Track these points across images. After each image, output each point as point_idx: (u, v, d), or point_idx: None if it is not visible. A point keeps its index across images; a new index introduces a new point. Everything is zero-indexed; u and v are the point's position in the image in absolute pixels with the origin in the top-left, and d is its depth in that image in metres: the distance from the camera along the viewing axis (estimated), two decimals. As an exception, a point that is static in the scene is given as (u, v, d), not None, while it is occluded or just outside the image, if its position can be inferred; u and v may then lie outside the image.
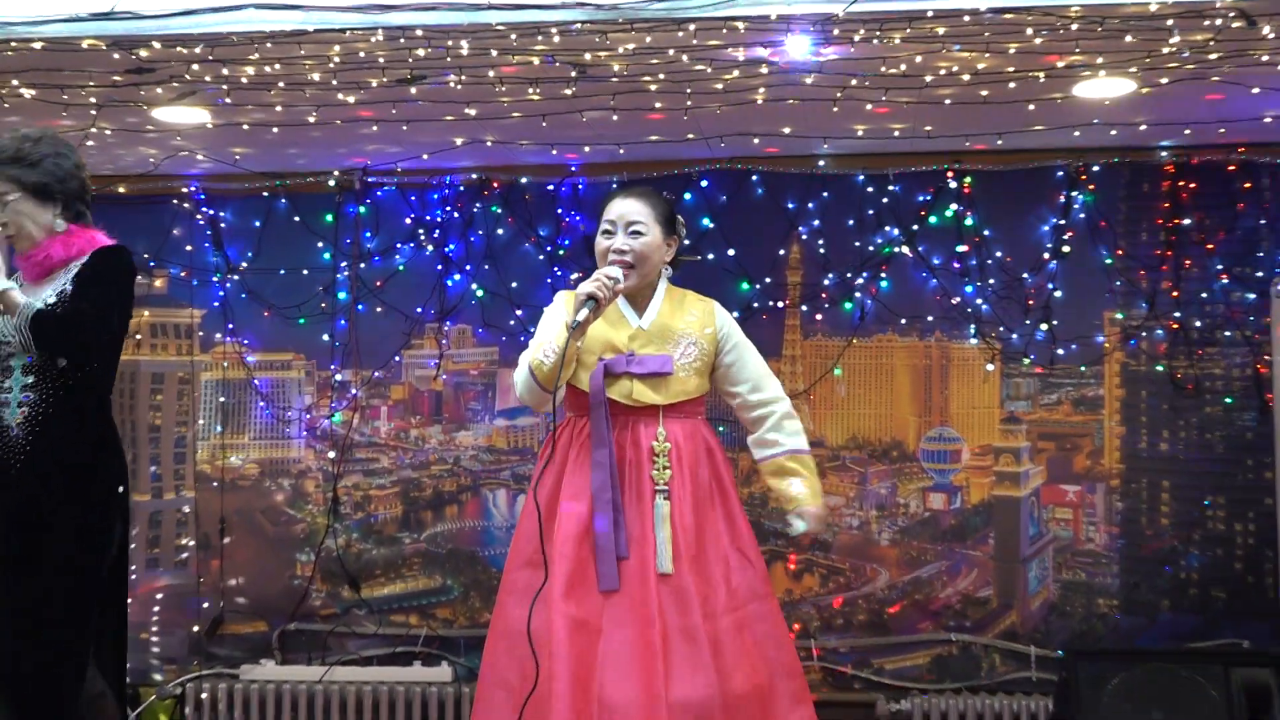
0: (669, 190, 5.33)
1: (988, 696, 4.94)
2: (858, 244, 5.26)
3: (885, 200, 5.23)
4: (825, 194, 5.28)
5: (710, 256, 5.28)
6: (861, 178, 5.25)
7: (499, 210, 5.46)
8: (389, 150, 5.14)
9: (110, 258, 3.14)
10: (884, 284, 5.28)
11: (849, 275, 5.28)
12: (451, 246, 5.52)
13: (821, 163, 5.23)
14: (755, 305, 5.29)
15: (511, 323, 5.49)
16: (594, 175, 5.36)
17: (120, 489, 3.11)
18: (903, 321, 5.27)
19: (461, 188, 5.48)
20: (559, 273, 5.41)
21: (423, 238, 5.53)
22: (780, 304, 5.33)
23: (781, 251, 5.34)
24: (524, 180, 5.42)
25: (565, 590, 2.92)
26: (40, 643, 2.91)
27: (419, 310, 5.53)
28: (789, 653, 3.08)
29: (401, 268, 5.57)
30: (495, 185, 5.45)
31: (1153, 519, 5.11)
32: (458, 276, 5.54)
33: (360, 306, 5.55)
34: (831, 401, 5.36)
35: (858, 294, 5.27)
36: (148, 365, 5.55)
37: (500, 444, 5.59)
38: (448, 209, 5.50)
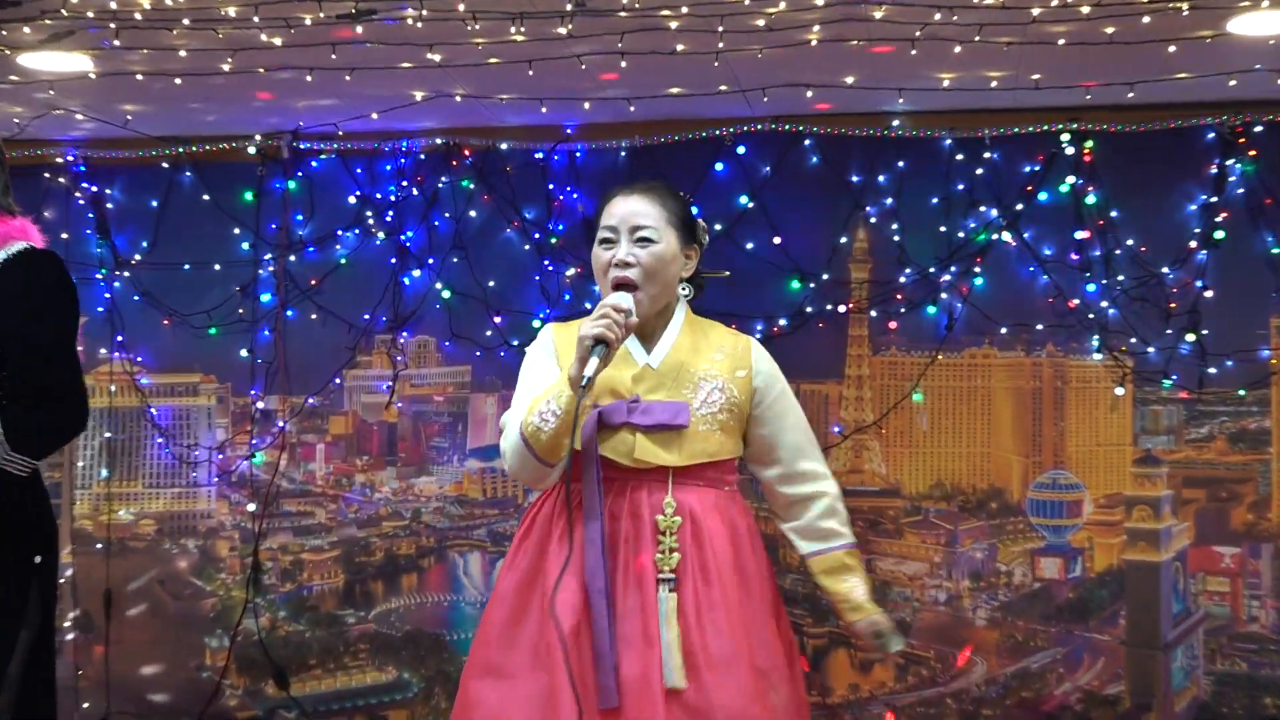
0: (695, 159, 5.36)
1: (1119, 827, 4.97)
2: (944, 229, 5.26)
3: (980, 171, 5.23)
4: (901, 164, 5.28)
5: (749, 246, 5.31)
6: (949, 142, 5.25)
7: (471, 186, 5.48)
8: (327, 107, 5.14)
9: (37, 279, 3.13)
10: (978, 281, 5.27)
11: (932, 270, 5.27)
12: (409, 234, 5.53)
13: (896, 123, 5.24)
14: (809, 310, 5.31)
15: (489, 333, 5.49)
16: (596, 139, 5.40)
17: (39, 559, 3.20)
18: (1003, 331, 5.27)
19: (422, 156, 5.50)
20: (550, 267, 5.46)
21: (371, 222, 5.55)
22: (842, 308, 5.33)
23: (843, 239, 5.34)
24: (504, 146, 5.44)
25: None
26: None
27: (366, 317, 5.55)
28: None
29: (344, 261, 5.58)
30: (466, 153, 5.47)
31: (1337, 591, 5.09)
32: (417, 272, 5.54)
33: (290, 312, 5.59)
34: (910, 436, 5.35)
35: (944, 295, 5.27)
36: (11, 390, 5.55)
37: (473, 493, 5.60)
38: (404, 184, 5.51)
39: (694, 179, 5.23)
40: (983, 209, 5.25)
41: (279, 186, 5.58)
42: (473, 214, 5.51)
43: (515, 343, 5.45)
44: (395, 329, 5.55)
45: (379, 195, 5.54)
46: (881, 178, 5.31)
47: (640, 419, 3.03)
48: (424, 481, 5.64)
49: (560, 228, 5.46)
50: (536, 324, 5.39)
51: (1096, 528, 5.25)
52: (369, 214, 5.55)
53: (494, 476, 5.59)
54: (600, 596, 2.92)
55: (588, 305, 5.30)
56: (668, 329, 3.15)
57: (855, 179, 5.32)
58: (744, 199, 5.34)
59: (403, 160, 5.51)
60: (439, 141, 5.47)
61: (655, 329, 3.15)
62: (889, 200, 5.31)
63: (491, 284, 5.50)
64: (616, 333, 2.89)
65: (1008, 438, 5.32)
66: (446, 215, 5.51)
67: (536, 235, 5.46)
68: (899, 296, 5.31)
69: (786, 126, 5.30)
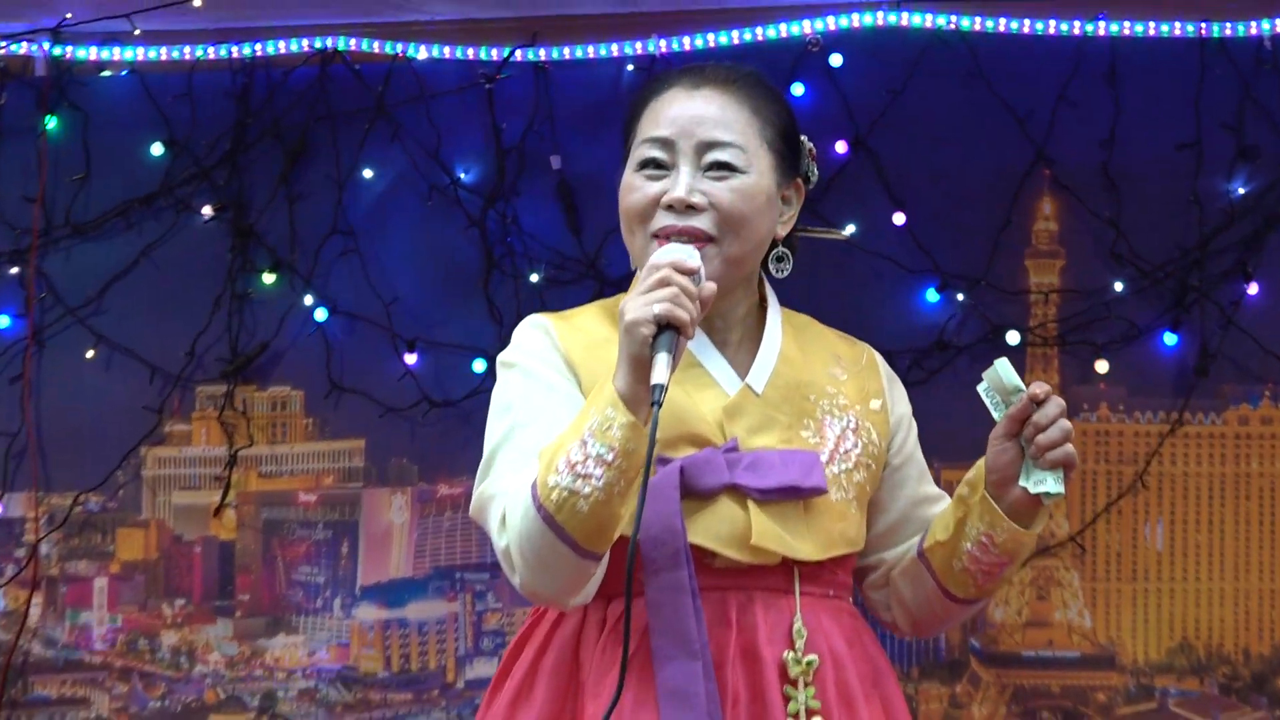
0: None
1: None
2: (1191, 196, 4.91)
3: (1256, 94, 4.89)
4: (1115, 85, 4.91)
5: (851, 229, 4.96)
6: (1201, 43, 4.86)
7: (367, 126, 5.24)
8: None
9: None
10: (1252, 290, 4.95)
11: (1169, 267, 4.91)
12: (258, 209, 5.33)
13: (1102, 15, 4.96)
14: (952, 340, 5.04)
15: (399, 380, 5.13)
16: (581, 42, 5.21)
17: None
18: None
19: (283, 73, 5.28)
20: (505, 263, 5.16)
21: (191, 189, 5.27)
22: (1013, 336, 5.09)
23: (1013, 217, 5.07)
24: (422, 56, 5.25)
25: None
26: None
27: (184, 355, 5.24)
28: None
29: (143, 257, 5.31)
30: (358, 67, 5.28)
31: None
32: (271, 276, 5.28)
33: (48, 346, 5.34)
34: (1134, 561, 5.08)
35: (1193, 311, 4.95)
36: None
37: (369, 665, 5.32)
38: (249, 123, 5.27)
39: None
40: (1260, 160, 4.91)
41: (30, 128, 5.33)
42: (367, 174, 5.22)
43: (441, 399, 5.18)
44: (233, 375, 5.23)
45: (205, 142, 5.27)
46: (1079, 108, 4.97)
47: (750, 478, 2.67)
48: (283, 644, 5.30)
49: (518, 198, 5.18)
50: (479, 366, 5.15)
51: None
52: (187, 175, 5.26)
53: (404, 634, 5.29)
54: None
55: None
56: (766, 328, 2.85)
57: (1032, 111, 4.98)
58: (840, 146, 5.05)
59: (247, 80, 5.24)
60: (312, 46, 5.23)
61: (736, 324, 2.82)
62: (1094, 146, 4.97)
63: (399, 299, 5.18)
64: (689, 309, 2.51)
65: (1311, 561, 5.35)
66: (323, 176, 5.21)
67: (481, 212, 5.12)
68: (1112, 314, 4.96)
69: (914, 19, 5.04)
